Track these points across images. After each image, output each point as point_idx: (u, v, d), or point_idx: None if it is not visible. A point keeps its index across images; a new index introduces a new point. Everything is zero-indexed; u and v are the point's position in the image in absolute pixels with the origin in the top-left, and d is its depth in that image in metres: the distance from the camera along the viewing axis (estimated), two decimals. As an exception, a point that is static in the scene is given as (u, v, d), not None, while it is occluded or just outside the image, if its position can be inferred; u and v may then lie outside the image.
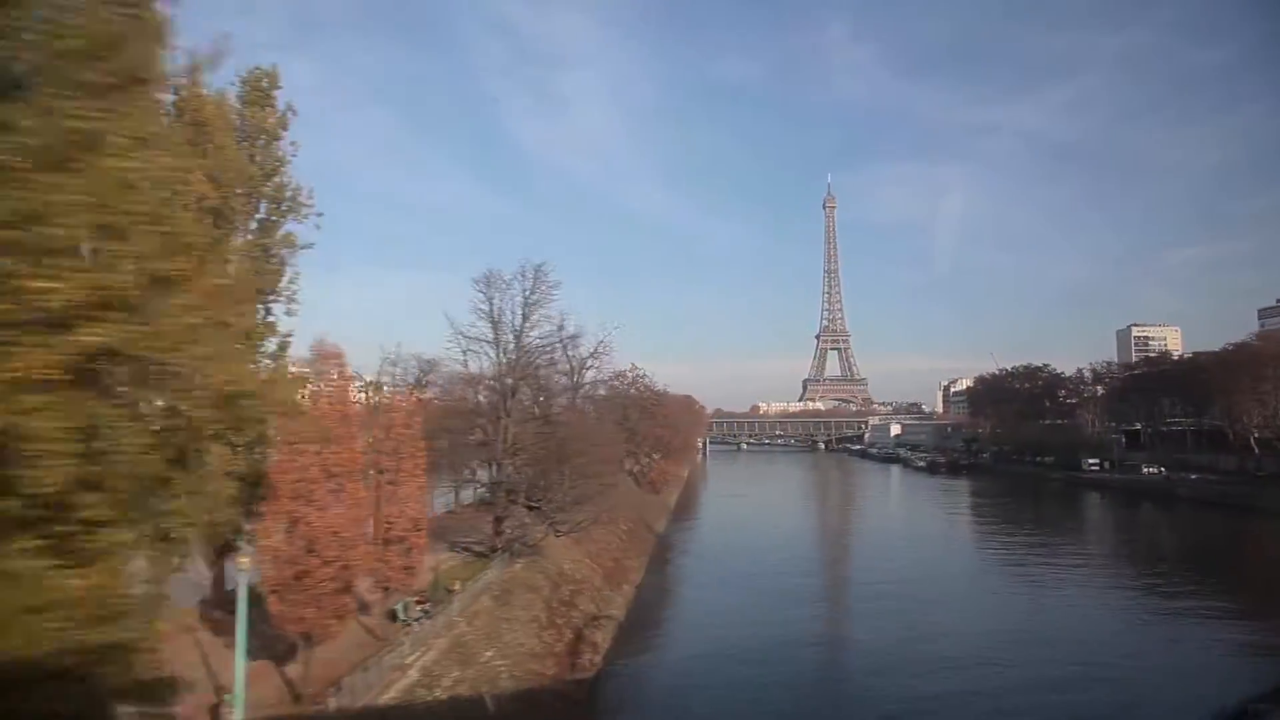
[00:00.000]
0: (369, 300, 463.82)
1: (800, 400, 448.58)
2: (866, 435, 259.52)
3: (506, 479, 38.09)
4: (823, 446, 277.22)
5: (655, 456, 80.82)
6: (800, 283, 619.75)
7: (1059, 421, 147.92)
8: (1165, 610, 42.34)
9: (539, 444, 38.60)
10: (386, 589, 25.04)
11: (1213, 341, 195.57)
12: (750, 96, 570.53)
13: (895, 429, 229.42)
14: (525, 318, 39.95)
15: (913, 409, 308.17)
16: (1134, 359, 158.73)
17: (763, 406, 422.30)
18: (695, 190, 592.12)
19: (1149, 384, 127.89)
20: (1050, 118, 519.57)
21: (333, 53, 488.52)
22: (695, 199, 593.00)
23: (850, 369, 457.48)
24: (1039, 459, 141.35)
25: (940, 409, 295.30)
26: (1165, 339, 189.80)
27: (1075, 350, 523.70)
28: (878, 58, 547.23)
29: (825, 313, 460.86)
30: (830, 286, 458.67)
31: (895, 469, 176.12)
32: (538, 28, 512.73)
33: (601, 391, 63.31)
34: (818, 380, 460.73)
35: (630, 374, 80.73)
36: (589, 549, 44.24)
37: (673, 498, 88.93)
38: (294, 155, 25.76)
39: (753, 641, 34.72)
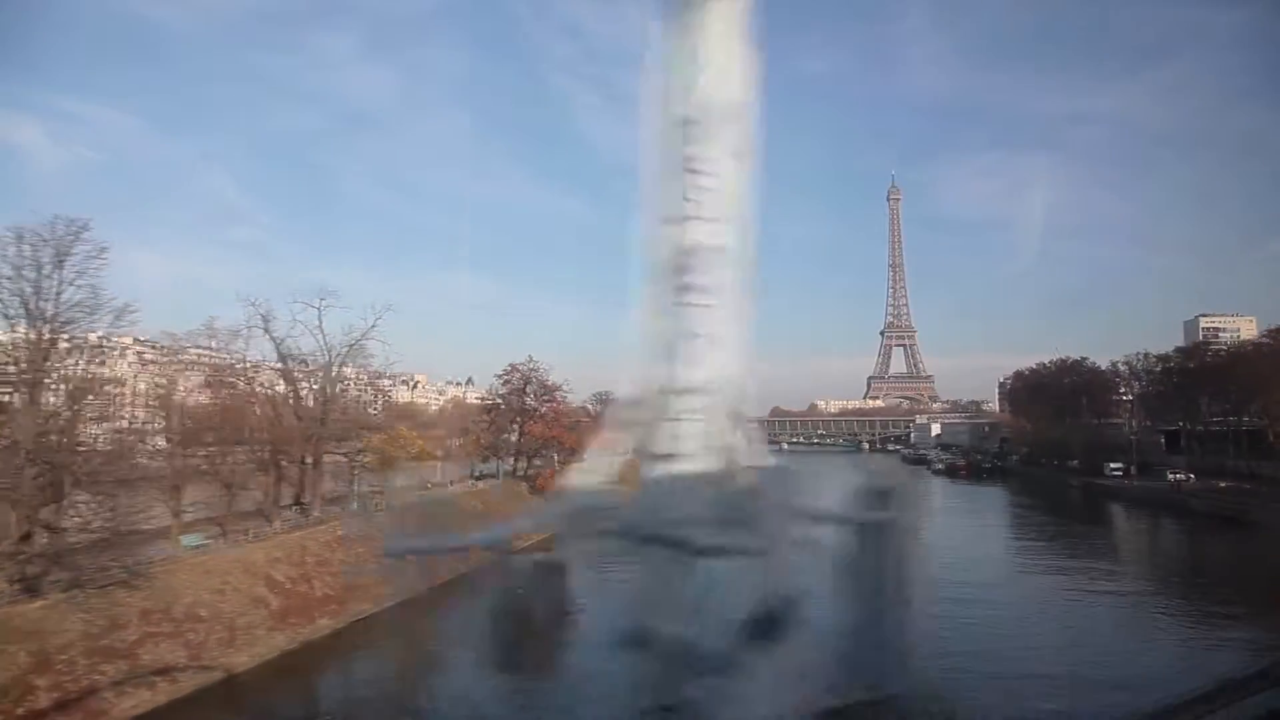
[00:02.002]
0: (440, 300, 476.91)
1: (865, 398, 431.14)
2: (912, 435, 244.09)
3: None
4: (867, 447, 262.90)
5: (554, 458, 74.02)
6: (871, 277, 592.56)
7: (1096, 421, 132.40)
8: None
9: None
10: None
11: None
12: (822, 90, 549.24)
13: (935, 429, 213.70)
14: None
15: (971, 407, 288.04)
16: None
17: (821, 404, 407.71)
18: (766, 186, 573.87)
19: (1185, 378, 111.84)
20: (1138, 105, 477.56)
21: (406, 61, 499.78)
22: (768, 194, 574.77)
23: (916, 366, 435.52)
24: (1066, 462, 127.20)
25: (997, 407, 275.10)
26: (1239, 330, 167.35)
27: (1148, 346, 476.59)
28: (955, 47, 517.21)
29: (890, 308, 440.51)
30: (895, 281, 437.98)
31: (919, 472, 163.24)
32: (605, 27, 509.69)
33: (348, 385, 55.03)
34: (882, 377, 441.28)
35: (525, 368, 74.36)
36: (299, 569, 38.29)
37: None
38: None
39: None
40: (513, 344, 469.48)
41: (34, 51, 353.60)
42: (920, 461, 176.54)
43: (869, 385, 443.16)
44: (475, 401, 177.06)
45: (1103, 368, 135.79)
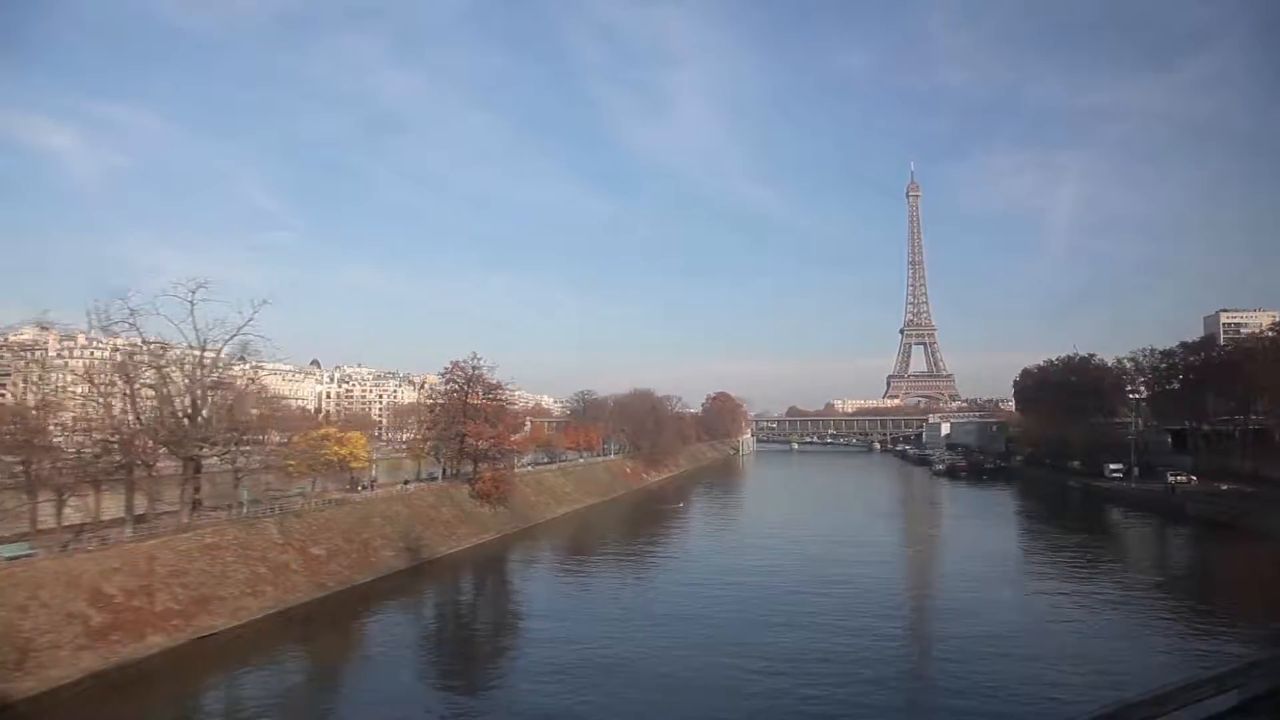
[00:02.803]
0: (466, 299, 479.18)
1: (884, 397, 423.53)
2: (924, 435, 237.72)
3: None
4: (879, 446, 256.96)
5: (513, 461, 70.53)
6: (892, 276, 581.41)
7: (1103, 420, 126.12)
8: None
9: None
10: None
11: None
12: (847, 87, 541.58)
13: (945, 428, 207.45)
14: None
15: (988, 405, 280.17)
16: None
17: (838, 404, 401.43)
18: (793, 185, 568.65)
19: (1190, 374, 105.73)
20: (1167, 99, 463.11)
21: (437, 63, 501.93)
22: (792, 194, 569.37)
23: (936, 364, 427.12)
24: (1068, 463, 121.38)
25: (1014, 406, 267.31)
26: (1261, 325, 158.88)
27: (1169, 343, 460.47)
28: (983, 43, 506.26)
29: (910, 306, 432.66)
30: (914, 278, 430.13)
31: (918, 473, 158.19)
32: (637, 27, 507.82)
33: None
34: (901, 376, 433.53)
35: (467, 365, 71.15)
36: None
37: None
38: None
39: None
40: (544, 342, 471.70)
41: (69, 60, 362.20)
42: (923, 462, 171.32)
43: (888, 384, 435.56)
44: (410, 402, 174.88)
45: (1110, 365, 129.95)
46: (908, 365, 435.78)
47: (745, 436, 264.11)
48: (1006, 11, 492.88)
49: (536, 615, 43.31)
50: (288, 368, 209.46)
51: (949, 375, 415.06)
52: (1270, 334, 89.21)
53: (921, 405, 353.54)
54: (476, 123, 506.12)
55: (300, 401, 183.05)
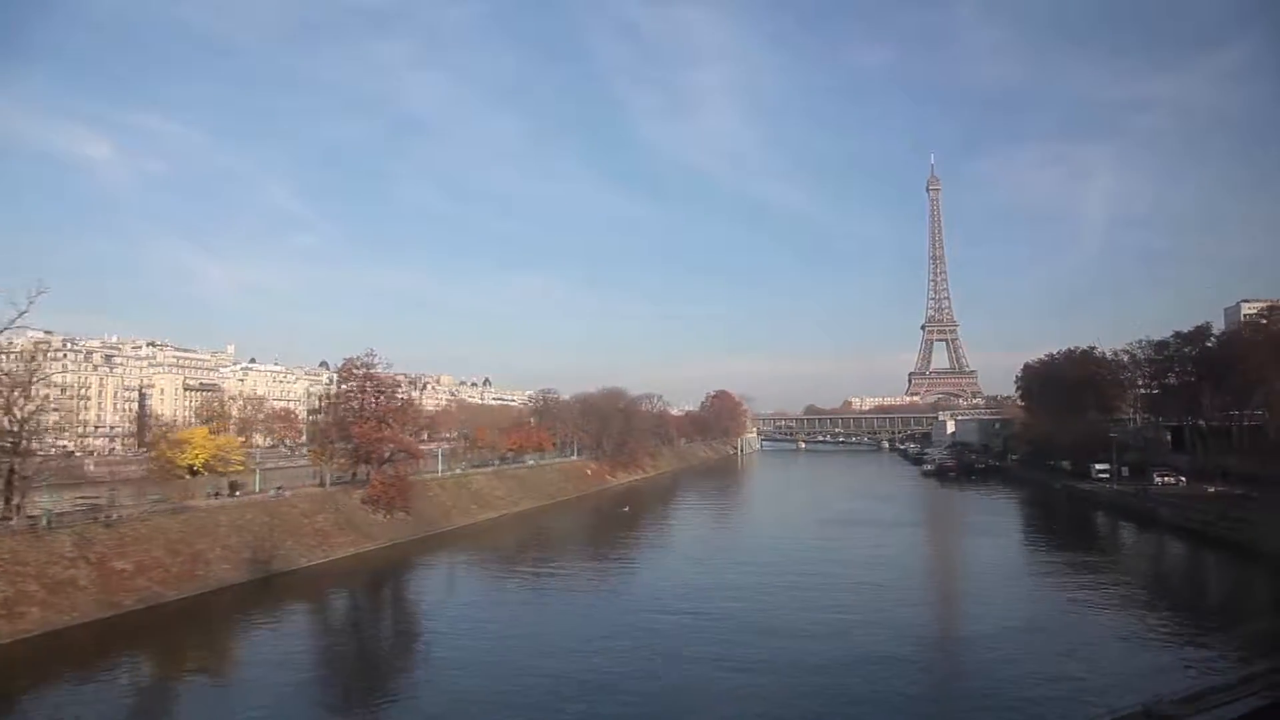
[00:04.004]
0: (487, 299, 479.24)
1: (906, 394, 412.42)
2: (933, 433, 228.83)
3: None
4: (887, 445, 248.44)
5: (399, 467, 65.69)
6: (914, 271, 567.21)
7: (1102, 417, 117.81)
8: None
9: None
10: None
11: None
12: (873, 84, 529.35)
13: (950, 426, 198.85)
14: None
15: (1005, 402, 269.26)
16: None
17: (856, 402, 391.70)
18: (815, 182, 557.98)
19: (1184, 367, 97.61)
20: (1198, 90, 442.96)
21: (459, 65, 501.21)
22: (814, 191, 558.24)
23: (958, 361, 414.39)
24: (1059, 462, 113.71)
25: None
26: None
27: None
28: (1007, 38, 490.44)
29: (931, 301, 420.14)
30: (935, 273, 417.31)
31: (910, 473, 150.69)
32: (660, 26, 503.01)
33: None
34: (923, 373, 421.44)
35: (361, 362, 66.68)
36: None
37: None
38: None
39: None
40: (564, 342, 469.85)
41: (102, 70, 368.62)
42: (919, 461, 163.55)
43: (910, 381, 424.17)
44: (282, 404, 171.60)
45: (1110, 358, 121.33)
46: (929, 362, 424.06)
47: (749, 435, 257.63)
48: (1030, 5, 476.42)
49: (377, 638, 38.99)
50: (277, 369, 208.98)
51: (972, 372, 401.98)
52: (1262, 319, 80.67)
53: (941, 402, 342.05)
54: (498, 124, 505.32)
55: (286, 403, 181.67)
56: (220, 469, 59.34)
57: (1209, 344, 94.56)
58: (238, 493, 60.86)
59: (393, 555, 60.97)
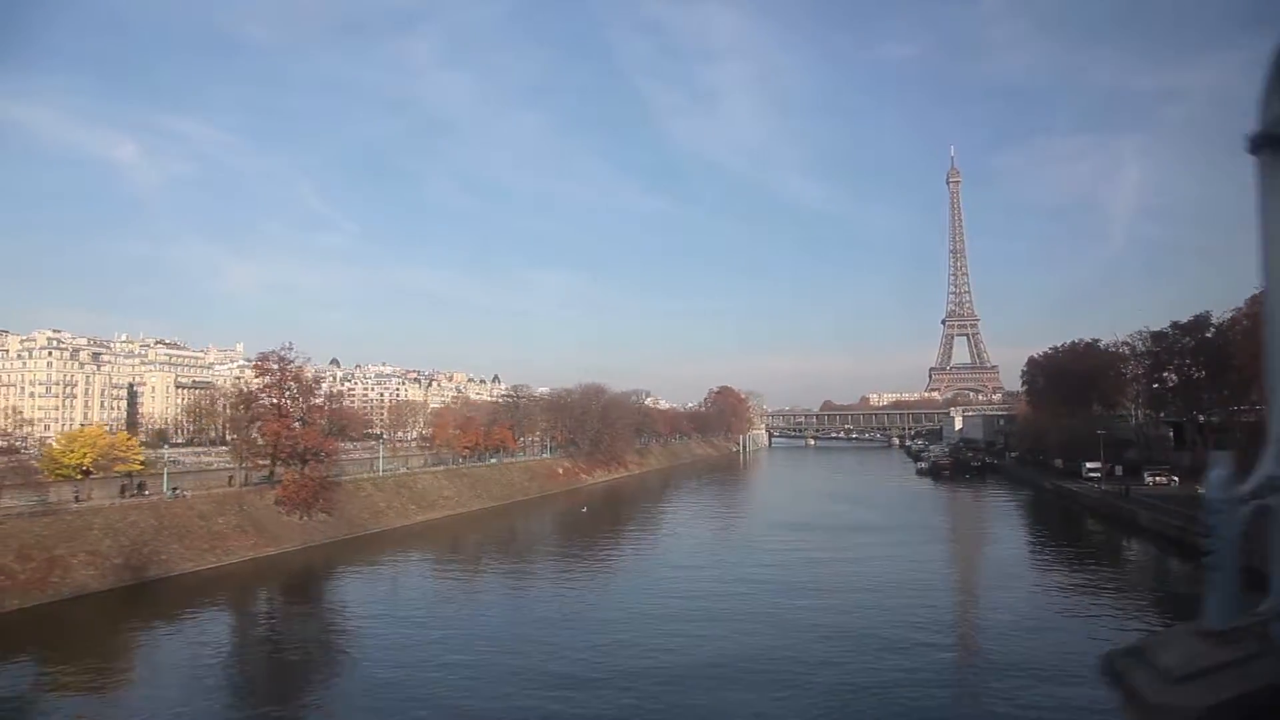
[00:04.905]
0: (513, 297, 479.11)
1: (926, 389, 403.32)
2: (944, 429, 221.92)
3: None
4: (897, 442, 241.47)
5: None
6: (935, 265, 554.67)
7: (1103, 412, 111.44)
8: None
9: None
10: None
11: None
12: (895, 79, 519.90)
13: (959, 422, 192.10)
14: None
15: (1018, 397, 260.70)
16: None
17: (873, 398, 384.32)
18: (838, 178, 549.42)
19: (1182, 359, 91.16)
20: (1228, 80, 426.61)
21: (485, 64, 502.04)
22: (837, 186, 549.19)
23: (979, 355, 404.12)
24: (1052, 460, 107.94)
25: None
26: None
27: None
28: (1030, 31, 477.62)
29: (951, 295, 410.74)
30: (956, 267, 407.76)
31: (907, 471, 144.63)
32: (684, 23, 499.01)
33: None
34: (943, 368, 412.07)
35: (276, 356, 63.34)
36: None
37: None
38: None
39: None
40: (587, 341, 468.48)
41: (130, 74, 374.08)
42: (918, 458, 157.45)
43: (930, 376, 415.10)
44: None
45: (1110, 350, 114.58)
46: (950, 357, 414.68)
47: (756, 432, 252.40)
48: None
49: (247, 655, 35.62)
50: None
51: (993, 367, 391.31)
52: (1257, 307, 73.85)
53: (959, 398, 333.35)
54: (523, 122, 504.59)
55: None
56: (117, 469, 56.43)
57: (1208, 334, 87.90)
58: (146, 493, 58.17)
59: (300, 560, 57.71)
